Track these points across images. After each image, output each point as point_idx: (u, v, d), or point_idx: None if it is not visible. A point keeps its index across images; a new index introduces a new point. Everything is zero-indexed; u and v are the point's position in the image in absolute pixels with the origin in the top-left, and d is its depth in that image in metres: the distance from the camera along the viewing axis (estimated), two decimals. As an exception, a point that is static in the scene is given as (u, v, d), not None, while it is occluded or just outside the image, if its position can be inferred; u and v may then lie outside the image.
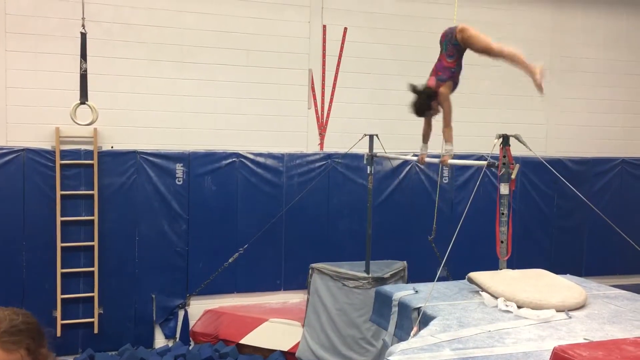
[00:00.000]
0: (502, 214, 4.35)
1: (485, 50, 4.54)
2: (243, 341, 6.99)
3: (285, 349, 6.88)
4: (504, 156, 4.32)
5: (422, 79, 8.37)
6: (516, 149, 4.48)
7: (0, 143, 6.81)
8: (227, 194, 7.63)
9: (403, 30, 8.30)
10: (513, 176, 4.25)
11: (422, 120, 8.21)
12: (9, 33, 6.80)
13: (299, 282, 7.56)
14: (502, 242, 4.36)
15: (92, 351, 6.88)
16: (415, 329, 3.46)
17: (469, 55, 8.65)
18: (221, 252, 7.50)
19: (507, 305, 3.60)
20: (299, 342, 6.83)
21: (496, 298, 3.73)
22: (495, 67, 8.76)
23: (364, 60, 8.12)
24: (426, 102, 4.56)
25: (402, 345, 3.04)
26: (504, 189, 4.33)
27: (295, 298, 7.82)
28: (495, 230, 4.38)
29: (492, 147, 4.38)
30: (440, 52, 4.71)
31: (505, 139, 4.35)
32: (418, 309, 3.70)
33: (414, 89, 4.61)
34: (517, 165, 4.28)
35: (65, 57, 6.85)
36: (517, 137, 4.35)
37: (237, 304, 7.64)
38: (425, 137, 4.96)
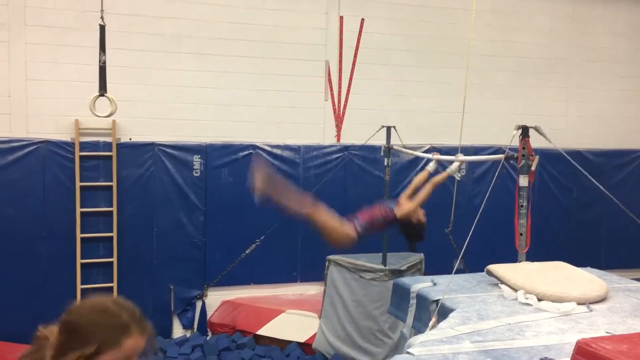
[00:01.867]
0: (521, 206, 4.31)
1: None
2: (260, 332, 7.02)
3: (302, 341, 6.91)
4: (524, 148, 4.28)
5: (439, 69, 8.37)
6: (534, 141, 4.43)
7: (21, 135, 6.88)
8: (244, 185, 7.55)
9: (420, 20, 8.24)
10: (533, 168, 4.21)
11: (438, 112, 8.23)
12: (28, 26, 6.86)
13: (315, 274, 7.57)
14: (520, 234, 4.33)
15: (111, 341, 6.95)
16: (433, 320, 3.46)
17: (483, 46, 8.57)
18: (238, 244, 7.53)
19: (527, 298, 3.58)
20: (315, 334, 6.86)
21: (516, 291, 3.71)
22: (513, 58, 8.74)
23: (381, 51, 8.08)
24: (415, 230, 4.65)
25: (421, 337, 3.04)
26: (523, 181, 4.29)
27: (311, 290, 7.84)
28: (514, 223, 4.35)
29: (511, 139, 4.34)
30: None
31: (524, 131, 4.31)
32: (436, 301, 3.69)
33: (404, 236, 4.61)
34: (537, 157, 4.24)
35: (84, 50, 6.89)
36: (536, 129, 4.30)
37: (254, 295, 7.68)
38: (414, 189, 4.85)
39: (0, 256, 6.76)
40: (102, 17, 5.68)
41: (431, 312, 3.69)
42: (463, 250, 3.93)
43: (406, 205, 4.40)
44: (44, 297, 6.91)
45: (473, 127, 7.65)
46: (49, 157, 6.92)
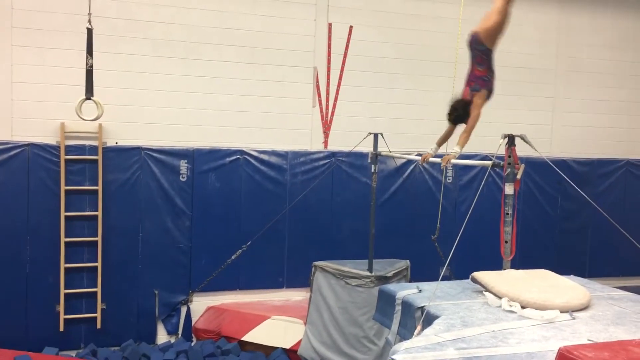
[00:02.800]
0: (507, 214, 4.34)
1: (502, 16, 4.56)
2: (245, 338, 6.99)
3: (287, 347, 6.88)
4: (510, 156, 4.31)
5: (427, 78, 8.42)
6: (520, 150, 4.47)
7: (5, 138, 6.82)
8: (230, 191, 7.63)
9: (409, 29, 8.29)
10: (518, 176, 4.24)
11: (425, 120, 8.27)
12: (15, 28, 6.81)
13: (301, 280, 7.57)
14: (506, 242, 4.35)
15: (94, 346, 6.90)
16: (418, 327, 3.46)
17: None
18: (224, 249, 7.50)
19: (511, 306, 3.60)
20: (301, 340, 6.84)
21: (500, 298, 3.72)
22: (501, 68, 8.77)
23: (369, 58, 8.12)
24: (463, 114, 4.58)
25: (406, 344, 3.04)
26: (509, 189, 4.32)
27: (297, 296, 7.82)
28: (500, 230, 4.38)
29: (498, 147, 4.37)
30: (470, 62, 4.67)
31: (510, 139, 4.34)
32: (422, 308, 3.70)
33: (452, 103, 4.64)
34: (523, 166, 4.27)
35: (71, 53, 6.86)
36: (522, 137, 4.34)
37: (240, 301, 7.64)
38: (442, 141, 4.94)
39: (-18, 260, 6.68)
40: (89, 21, 5.66)
41: (416, 319, 3.70)
42: (449, 257, 3.95)
43: (476, 99, 4.58)
44: (27, 302, 6.84)
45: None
46: (34, 160, 6.86)
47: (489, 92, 4.66)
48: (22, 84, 6.87)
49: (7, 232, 6.79)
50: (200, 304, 7.54)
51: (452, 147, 4.68)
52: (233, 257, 7.49)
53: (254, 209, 7.69)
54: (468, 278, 4.19)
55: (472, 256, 7.08)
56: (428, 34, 8.36)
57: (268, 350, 6.88)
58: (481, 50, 4.60)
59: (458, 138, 4.61)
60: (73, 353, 6.83)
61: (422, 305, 3.71)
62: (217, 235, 7.53)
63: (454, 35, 7.90)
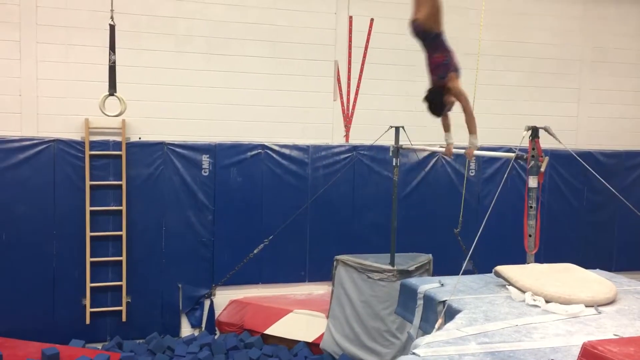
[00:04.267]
0: (531, 207, 4.29)
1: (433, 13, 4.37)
2: (268, 331, 7.03)
3: (310, 340, 6.90)
4: (533, 148, 4.25)
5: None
6: (545, 142, 4.40)
7: (32, 134, 6.93)
8: (252, 185, 7.66)
9: (430, 21, 8.20)
10: (542, 169, 4.18)
11: (450, 112, 8.18)
12: (39, 25, 6.91)
13: (323, 273, 7.58)
14: (530, 235, 4.30)
15: (120, 339, 7.00)
16: (440, 321, 3.44)
17: (493, 47, 8.56)
18: (246, 243, 7.55)
19: (534, 300, 3.56)
20: (323, 334, 6.85)
21: (523, 292, 3.68)
22: (524, 59, 8.68)
23: (390, 51, 8.06)
24: (440, 101, 4.40)
25: (428, 338, 3.03)
26: (533, 182, 4.26)
27: (319, 290, 7.84)
28: (523, 224, 4.32)
29: (521, 140, 4.31)
30: (425, 51, 4.53)
31: (534, 131, 4.28)
32: (444, 302, 3.67)
33: (426, 98, 4.48)
34: (547, 158, 4.21)
35: (95, 49, 6.94)
36: (546, 129, 4.27)
37: (262, 295, 7.69)
38: (446, 127, 4.85)
39: (11, 254, 6.81)
40: (112, 17, 5.71)
41: (438, 313, 3.67)
42: (471, 250, 3.91)
43: (452, 85, 4.36)
44: (54, 295, 6.96)
45: (482, 128, 7.53)
46: (60, 156, 6.96)
47: (456, 70, 4.46)
48: (47, 80, 6.98)
49: (34, 226, 6.91)
50: (223, 298, 7.61)
51: (468, 140, 4.59)
52: (255, 251, 7.53)
53: (276, 203, 7.71)
54: (491, 272, 4.15)
55: (495, 250, 7.01)
56: (449, 25, 8.13)
57: (290, 343, 6.91)
58: (431, 37, 4.42)
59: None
60: (99, 345, 6.94)
61: (444, 299, 3.68)
62: (239, 229, 7.58)
63: (475, 27, 7.83)
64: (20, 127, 6.92)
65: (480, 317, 3.34)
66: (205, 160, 7.47)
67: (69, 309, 6.99)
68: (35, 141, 6.91)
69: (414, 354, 2.79)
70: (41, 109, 6.97)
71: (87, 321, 6.98)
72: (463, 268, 3.85)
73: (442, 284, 4.02)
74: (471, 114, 4.38)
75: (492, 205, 4.11)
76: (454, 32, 8.24)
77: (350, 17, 7.92)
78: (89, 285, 7.00)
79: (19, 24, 6.84)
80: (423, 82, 8.17)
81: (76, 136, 7.03)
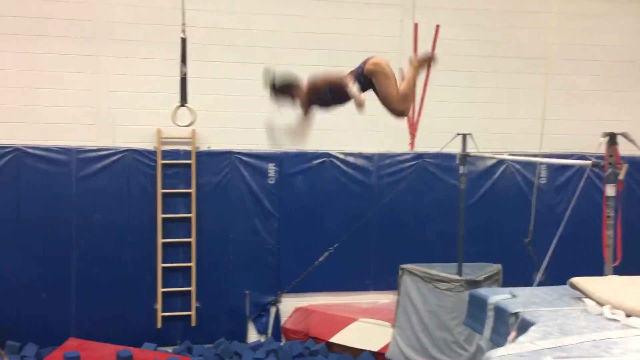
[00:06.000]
0: (609, 216, 4.10)
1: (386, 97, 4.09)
2: (333, 340, 7.03)
3: (375, 349, 6.85)
4: (611, 155, 4.07)
5: (516, 75, 8.12)
6: (622, 148, 4.21)
7: (108, 144, 7.24)
8: (317, 193, 7.71)
9: (497, 26, 8.06)
10: (621, 177, 4.00)
11: (515, 119, 7.99)
12: (113, 40, 7.22)
13: (388, 282, 7.50)
14: (608, 246, 4.11)
15: (189, 343, 7.18)
16: (513, 334, 3.33)
17: (564, 50, 8.23)
18: (311, 251, 7.59)
19: (614, 314, 3.39)
20: (389, 343, 6.79)
21: (601, 305, 3.52)
22: (597, 62, 8.35)
23: (456, 57, 7.94)
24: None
25: (500, 350, 2.94)
26: (611, 191, 4.08)
27: (384, 298, 7.77)
28: (602, 234, 4.14)
29: (598, 146, 4.14)
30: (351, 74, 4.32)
31: (612, 138, 4.10)
32: (516, 314, 3.56)
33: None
34: (626, 165, 4.02)
35: (164, 62, 7.17)
36: (625, 135, 4.09)
37: (327, 303, 7.70)
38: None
39: (87, 260, 7.14)
40: (183, 31, 5.90)
41: (510, 325, 3.57)
42: (546, 261, 3.78)
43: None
44: (127, 300, 7.22)
45: (554, 135, 7.35)
46: (133, 165, 7.25)
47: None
48: (121, 92, 7.28)
49: (109, 233, 7.21)
50: (289, 305, 7.67)
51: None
52: (320, 259, 7.56)
53: (340, 211, 7.73)
54: (565, 284, 3.99)
55: (568, 261, 6.71)
56: (517, 29, 8.08)
57: (356, 352, 6.88)
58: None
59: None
60: (170, 349, 7.14)
61: (516, 311, 3.57)
62: (304, 237, 7.64)
63: (545, 30, 7.60)
64: (96, 138, 7.24)
65: (555, 331, 3.22)
66: (272, 168, 7.58)
67: (142, 313, 7.23)
68: (110, 151, 7.22)
69: (486, 366, 2.72)
70: (116, 120, 7.28)
71: (159, 325, 7.21)
72: (538, 279, 3.72)
73: (514, 295, 3.90)
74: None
75: (567, 214, 3.95)
76: (524, 37, 8.06)
77: (416, 25, 7.86)
78: (160, 290, 7.22)
79: (93, 39, 7.18)
80: (490, 88, 8.09)
81: (149, 146, 7.29)
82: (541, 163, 7.78)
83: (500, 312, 3.76)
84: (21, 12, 7.03)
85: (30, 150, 7.04)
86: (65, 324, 7.02)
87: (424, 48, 7.90)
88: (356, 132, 7.80)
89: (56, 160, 7.09)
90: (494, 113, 8.06)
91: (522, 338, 3.15)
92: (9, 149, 6.99)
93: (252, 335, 7.59)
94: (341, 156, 7.74)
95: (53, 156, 7.09)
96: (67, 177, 7.11)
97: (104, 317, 7.14)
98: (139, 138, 7.29)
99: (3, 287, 6.78)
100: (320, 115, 7.72)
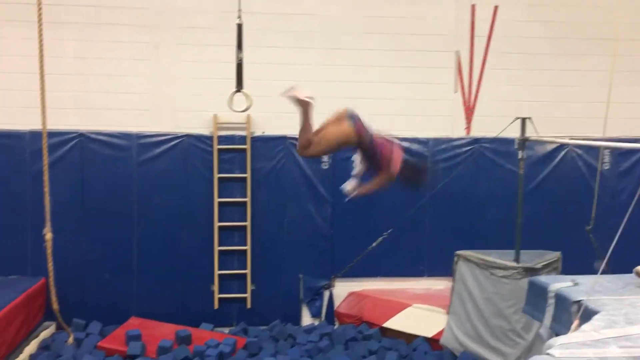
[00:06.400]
0: (679, 203, 3.91)
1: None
2: (386, 325, 7.03)
3: (429, 336, 6.81)
4: (682, 139, 3.88)
5: (580, 57, 7.83)
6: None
7: (169, 129, 7.41)
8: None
9: (559, 5, 7.76)
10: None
11: (578, 102, 7.72)
12: (171, 28, 7.36)
13: (442, 268, 7.42)
14: (677, 234, 3.94)
15: (245, 324, 7.33)
16: (576, 323, 3.25)
17: (632, 30, 7.86)
18: (365, 236, 7.59)
19: (683, 304, 3.26)
20: (443, 330, 6.74)
21: (670, 295, 3.39)
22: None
23: (515, 39, 7.72)
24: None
25: (562, 338, 2.88)
26: (681, 176, 3.89)
27: (439, 285, 7.70)
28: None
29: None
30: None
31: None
32: (578, 302, 3.47)
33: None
34: (698, 149, 3.83)
35: (222, 48, 7.25)
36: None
37: (380, 288, 7.69)
38: None
39: (147, 242, 7.36)
40: (239, 16, 5.93)
41: (572, 313, 3.49)
42: (611, 249, 3.65)
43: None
44: (186, 281, 7.42)
45: (619, 118, 7.09)
46: (191, 150, 7.41)
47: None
48: (180, 79, 7.42)
49: (168, 216, 7.40)
50: (342, 289, 7.71)
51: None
52: (374, 244, 7.55)
53: (395, 196, 7.63)
54: (630, 272, 3.87)
55: (633, 249, 6.49)
56: (581, 9, 7.76)
57: (409, 338, 6.86)
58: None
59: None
60: (226, 330, 7.31)
61: (578, 299, 3.49)
62: (357, 222, 7.63)
63: (609, 10, 7.29)
64: (156, 123, 7.41)
65: (620, 320, 3.12)
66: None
67: (200, 294, 7.42)
68: (169, 136, 7.39)
69: (548, 354, 2.66)
70: (174, 106, 7.44)
71: (216, 306, 7.39)
72: (602, 268, 3.60)
73: (576, 283, 3.80)
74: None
75: (635, 200, 3.80)
76: (587, 17, 7.74)
77: (473, 6, 7.67)
78: (217, 272, 7.39)
79: (152, 27, 7.33)
80: (552, 71, 7.83)
81: (205, 131, 7.43)
82: (605, 147, 7.53)
83: (562, 300, 3.68)
84: (84, 1, 7.24)
85: (93, 136, 7.29)
86: (127, 304, 7.28)
87: (481, 30, 7.72)
88: (411, 116, 7.72)
89: (118, 145, 7.32)
90: (555, 96, 7.80)
91: (585, 326, 3.09)
92: (74, 135, 7.26)
93: (306, 319, 7.67)
94: (396, 141, 7.65)
95: (115, 141, 7.32)
96: (128, 162, 7.33)
97: (164, 297, 7.37)
98: (196, 124, 7.43)
99: (69, 267, 7.07)
100: (374, 100, 7.74)
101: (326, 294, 7.71)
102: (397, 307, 7.13)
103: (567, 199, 7.68)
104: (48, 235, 6.18)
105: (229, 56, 6.71)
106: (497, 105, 7.68)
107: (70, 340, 6.60)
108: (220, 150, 7.40)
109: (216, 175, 7.36)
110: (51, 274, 6.31)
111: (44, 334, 6.80)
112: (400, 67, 7.67)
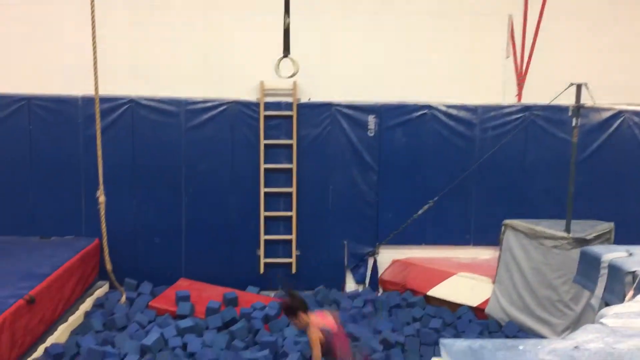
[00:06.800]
0: None
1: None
2: (430, 293, 7.02)
3: (474, 305, 6.77)
4: None
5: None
6: None
7: (216, 95, 7.46)
8: (417, 146, 7.60)
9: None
10: None
11: (635, 68, 7.39)
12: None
13: (489, 238, 7.34)
14: None
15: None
16: (630, 293, 3.18)
17: None
18: (410, 204, 7.54)
19: None
20: (488, 299, 6.69)
21: None
22: None
23: (571, 2, 7.40)
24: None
25: (616, 308, 2.81)
26: None
27: (484, 254, 7.63)
28: None
29: None
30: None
31: None
32: (633, 272, 3.38)
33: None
34: None
35: (269, 14, 7.22)
36: None
37: (425, 256, 7.67)
38: None
39: (195, 206, 7.51)
40: (286, -19, 5.87)
41: (626, 284, 3.40)
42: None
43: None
44: (233, 245, 7.57)
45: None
46: (238, 116, 7.46)
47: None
48: (228, 46, 7.43)
49: (215, 181, 7.52)
50: (386, 256, 7.73)
51: None
52: (419, 212, 7.50)
53: (441, 164, 7.59)
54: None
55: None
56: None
57: (454, 306, 6.84)
58: None
59: None
60: (272, 293, 7.45)
61: (634, 269, 3.39)
62: (402, 189, 7.59)
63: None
64: (204, 89, 7.47)
65: (678, 292, 3.03)
66: (372, 120, 7.53)
67: (246, 258, 7.57)
68: (216, 102, 7.46)
69: (601, 323, 2.61)
70: (222, 72, 7.48)
71: (261, 270, 7.52)
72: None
73: (631, 254, 3.70)
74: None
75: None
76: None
77: (528, -32, 7.38)
78: (262, 237, 7.50)
79: (202, -6, 7.35)
80: (610, 35, 7.49)
81: (252, 98, 7.46)
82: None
83: (615, 271, 3.59)
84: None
85: (144, 102, 7.42)
86: (177, 266, 7.49)
87: (536, -6, 7.43)
88: (459, 83, 7.56)
89: (167, 111, 7.43)
90: (613, 62, 7.49)
91: (639, 297, 3.00)
92: (125, 101, 7.40)
93: (350, 285, 7.74)
94: (443, 108, 7.54)
95: (164, 107, 7.43)
96: (177, 128, 7.44)
97: (212, 260, 7.54)
98: (243, 90, 7.46)
99: (121, 230, 7.28)
100: (421, 66, 7.58)
101: (370, 260, 7.74)
102: (441, 276, 7.11)
103: (622, 169, 7.43)
104: (101, 198, 6.39)
105: (276, 22, 6.68)
106: (550, 71, 7.43)
107: (123, 299, 6.85)
108: (266, 116, 7.43)
109: (262, 142, 7.41)
110: (104, 235, 6.54)
111: (98, 292, 7.07)
112: (449, 31, 7.48)
